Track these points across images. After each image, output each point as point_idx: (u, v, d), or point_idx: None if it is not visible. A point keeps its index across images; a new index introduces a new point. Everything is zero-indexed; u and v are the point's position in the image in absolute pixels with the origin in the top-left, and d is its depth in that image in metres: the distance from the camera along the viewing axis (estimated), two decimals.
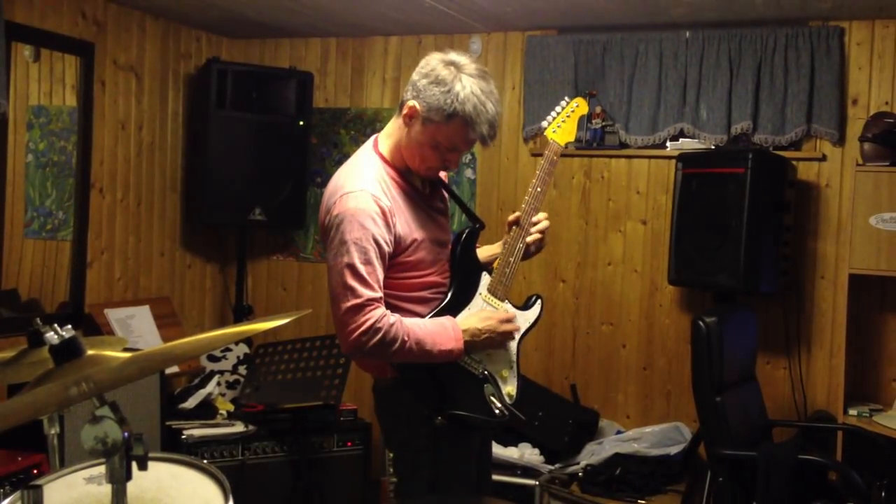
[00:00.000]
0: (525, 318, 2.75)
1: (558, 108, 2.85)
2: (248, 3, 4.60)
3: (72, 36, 4.37)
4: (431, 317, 2.60)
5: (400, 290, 2.59)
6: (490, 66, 5.04)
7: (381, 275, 2.48)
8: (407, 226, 2.58)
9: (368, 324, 2.42)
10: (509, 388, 2.68)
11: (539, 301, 2.79)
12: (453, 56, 2.57)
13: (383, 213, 2.49)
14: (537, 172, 2.75)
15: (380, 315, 2.44)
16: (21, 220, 4.29)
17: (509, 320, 2.67)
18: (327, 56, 5.42)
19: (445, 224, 2.79)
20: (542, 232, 2.78)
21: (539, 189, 2.74)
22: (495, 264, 2.73)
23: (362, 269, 2.43)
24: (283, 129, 5.08)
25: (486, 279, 2.71)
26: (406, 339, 2.46)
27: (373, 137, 2.72)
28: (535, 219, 2.77)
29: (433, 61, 2.56)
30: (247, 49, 5.53)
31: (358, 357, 2.61)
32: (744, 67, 4.46)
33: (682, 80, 4.58)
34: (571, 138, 2.86)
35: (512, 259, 2.72)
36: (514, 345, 2.72)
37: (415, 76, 2.58)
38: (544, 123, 2.84)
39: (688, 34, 4.57)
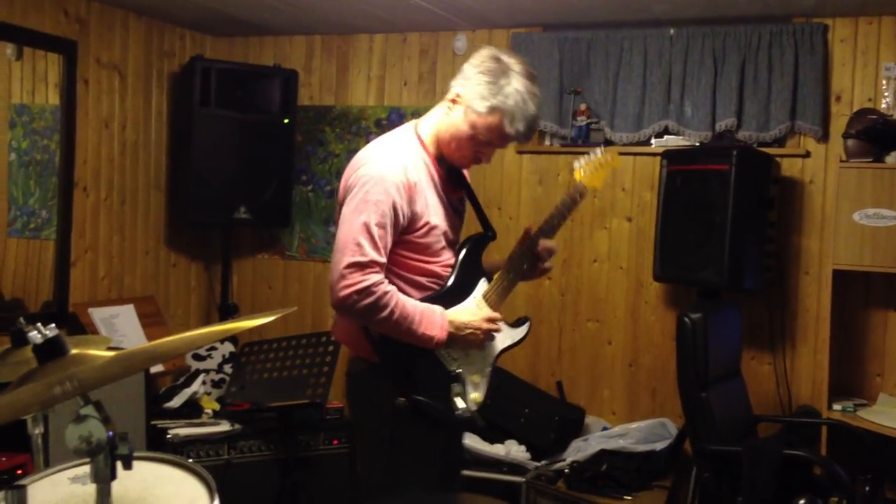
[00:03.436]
0: (510, 335, 2.80)
1: (592, 155, 2.87)
2: (232, 1, 4.58)
3: (54, 34, 4.35)
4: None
5: (400, 268, 2.60)
6: None
7: (389, 242, 2.52)
8: (426, 207, 2.61)
9: (364, 284, 2.43)
10: (476, 395, 2.69)
11: (528, 323, 2.84)
12: (505, 55, 2.62)
13: (408, 186, 2.55)
14: (558, 204, 2.82)
15: (378, 280, 2.46)
16: (4, 219, 4.26)
17: (494, 320, 2.69)
18: (312, 54, 5.41)
19: (458, 225, 2.82)
20: (548, 251, 2.80)
21: (556, 222, 2.80)
22: (496, 275, 2.78)
23: (376, 230, 2.47)
24: (268, 128, 5.06)
25: (483, 285, 2.75)
26: (394, 310, 2.48)
27: (414, 121, 2.76)
28: (544, 245, 2.81)
29: (485, 54, 2.62)
30: (231, 47, 5.51)
31: (343, 313, 2.57)
32: (728, 64, 4.47)
33: (667, 77, 4.59)
34: (598, 185, 2.89)
35: (512, 274, 2.77)
36: (492, 354, 2.75)
37: (466, 66, 2.64)
38: (576, 164, 2.86)
39: (672, 31, 4.58)
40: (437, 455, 2.75)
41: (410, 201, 2.55)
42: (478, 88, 2.57)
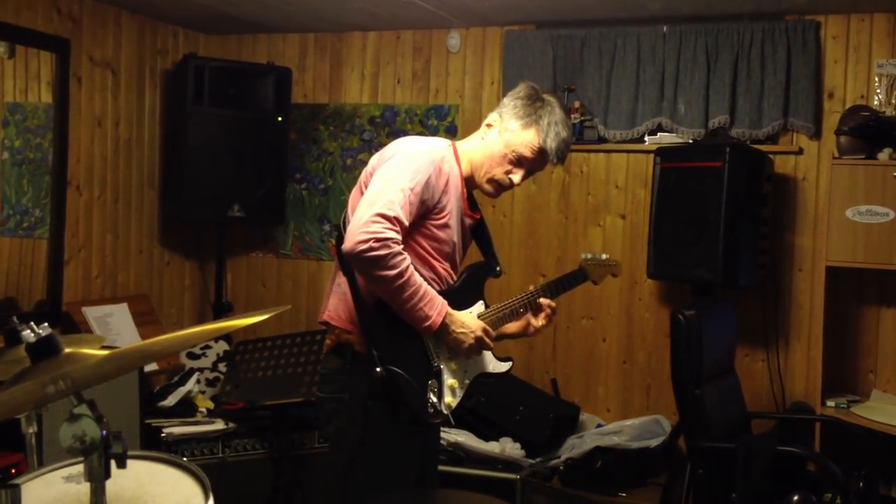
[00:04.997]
0: (494, 364, 2.85)
1: (603, 256, 3.14)
2: None
3: (47, 32, 4.33)
4: None
5: (409, 252, 2.59)
6: (469, 61, 5.04)
7: (414, 213, 2.55)
8: (449, 203, 2.66)
9: (385, 236, 2.44)
10: (450, 400, 2.70)
11: (511, 363, 2.91)
12: (543, 92, 2.81)
13: (444, 173, 2.64)
14: (567, 274, 3.05)
15: (398, 238, 2.47)
16: None
17: (490, 337, 2.73)
18: (305, 51, 5.40)
19: (463, 250, 2.86)
20: (549, 309, 2.90)
21: (560, 286, 2.98)
22: (494, 305, 2.84)
23: (409, 195, 2.52)
24: (262, 125, 5.05)
25: (480, 307, 2.81)
26: (403, 273, 2.48)
27: (448, 139, 2.86)
28: (546, 301, 2.92)
29: (522, 85, 2.82)
30: (224, 44, 5.50)
31: (352, 261, 2.53)
32: (721, 62, 4.48)
33: (660, 74, 4.60)
34: (597, 281, 3.15)
35: (509, 311, 2.85)
36: (473, 370, 2.78)
37: (504, 98, 2.82)
38: (584, 254, 3.15)
39: (665, 29, 4.58)
40: (412, 456, 2.75)
41: (440, 188, 2.62)
42: (514, 110, 2.74)
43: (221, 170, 4.92)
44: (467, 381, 2.75)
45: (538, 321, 2.89)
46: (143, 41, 4.99)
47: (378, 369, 2.53)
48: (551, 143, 2.72)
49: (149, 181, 5.09)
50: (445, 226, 2.66)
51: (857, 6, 4.26)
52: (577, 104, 4.76)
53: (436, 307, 2.58)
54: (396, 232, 2.47)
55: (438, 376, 2.67)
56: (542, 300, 2.89)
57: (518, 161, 2.74)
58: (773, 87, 4.41)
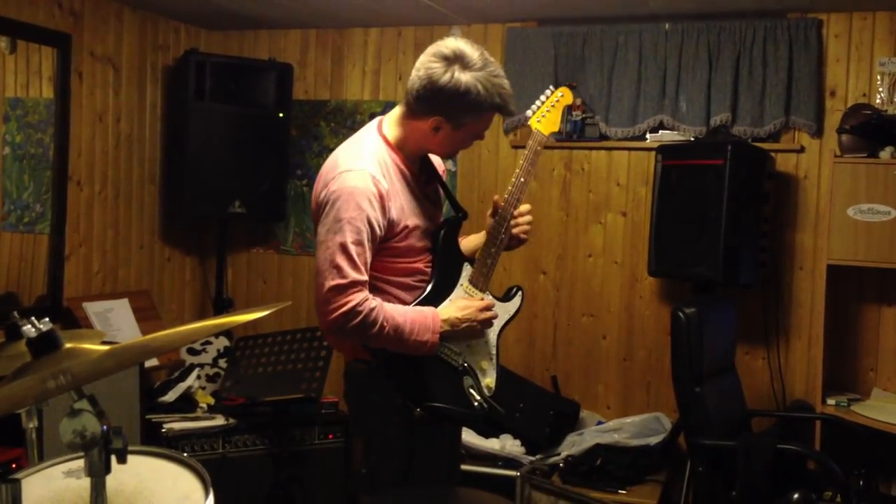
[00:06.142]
0: (505, 310, 2.76)
1: (542, 98, 2.80)
2: None
3: (48, 27, 4.33)
4: (414, 306, 2.59)
5: (387, 273, 2.58)
6: None
7: (369, 257, 2.48)
8: (401, 211, 2.56)
9: (349, 306, 2.41)
10: (488, 381, 2.68)
11: (520, 293, 2.81)
12: (449, 48, 2.50)
13: (380, 195, 2.48)
14: (521, 162, 2.73)
15: (362, 298, 2.43)
16: None
17: (488, 308, 2.66)
18: (307, 47, 5.40)
19: (437, 215, 2.77)
20: (527, 223, 2.79)
21: (522, 179, 2.73)
22: (477, 255, 2.72)
23: (353, 249, 2.42)
24: (263, 122, 5.05)
25: (467, 270, 2.70)
26: (385, 324, 2.46)
27: (377, 120, 2.68)
28: (518, 210, 2.76)
29: (437, 68, 2.49)
30: (225, 40, 5.50)
31: (335, 336, 2.56)
32: (723, 59, 4.48)
33: (662, 72, 4.59)
34: (556, 128, 2.82)
35: (494, 250, 2.71)
36: (493, 336, 2.72)
37: (426, 91, 2.50)
38: (528, 112, 2.79)
39: (667, 26, 4.58)
40: (444, 451, 2.76)
41: (384, 210, 2.50)
42: (460, 108, 2.50)
43: (222, 166, 4.92)
44: (494, 351, 2.71)
45: (523, 229, 2.79)
46: (145, 37, 4.99)
47: (418, 411, 2.52)
48: (510, 107, 2.56)
49: (150, 177, 5.09)
50: (408, 233, 2.58)
51: (859, 4, 4.26)
52: (578, 101, 4.75)
53: (428, 329, 2.53)
54: (358, 291, 2.43)
55: (469, 370, 2.65)
56: (515, 213, 2.74)
57: (481, 132, 2.66)
58: (775, 85, 4.40)
